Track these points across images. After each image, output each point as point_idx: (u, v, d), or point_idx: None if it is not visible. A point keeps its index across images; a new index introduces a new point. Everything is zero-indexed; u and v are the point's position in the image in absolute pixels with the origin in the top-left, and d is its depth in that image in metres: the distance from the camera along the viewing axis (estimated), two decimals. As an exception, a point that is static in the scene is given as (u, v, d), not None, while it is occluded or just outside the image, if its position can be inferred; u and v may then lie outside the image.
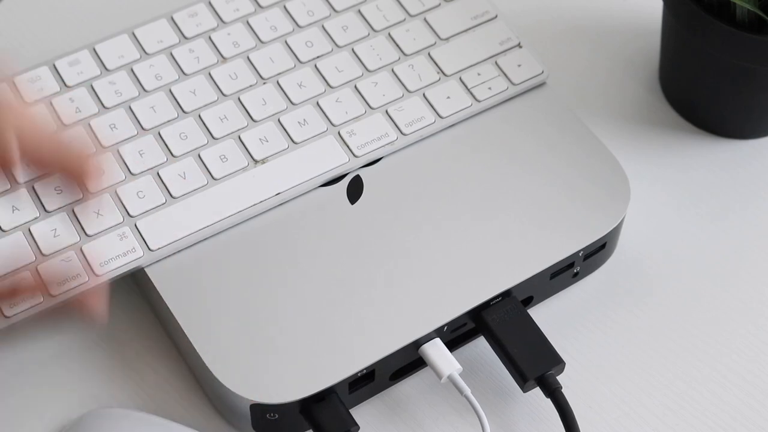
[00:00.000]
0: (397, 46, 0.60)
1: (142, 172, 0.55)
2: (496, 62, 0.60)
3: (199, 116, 0.57)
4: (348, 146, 0.57)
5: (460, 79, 0.59)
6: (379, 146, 0.57)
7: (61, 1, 0.67)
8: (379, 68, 0.59)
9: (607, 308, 0.58)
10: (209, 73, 0.58)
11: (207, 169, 0.56)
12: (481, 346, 0.56)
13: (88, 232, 0.53)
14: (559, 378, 0.54)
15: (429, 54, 0.60)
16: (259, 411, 0.51)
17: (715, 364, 0.56)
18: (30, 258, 0.53)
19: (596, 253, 0.57)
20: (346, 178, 0.57)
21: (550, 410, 0.54)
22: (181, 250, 0.54)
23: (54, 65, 0.58)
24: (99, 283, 0.51)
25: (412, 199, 0.56)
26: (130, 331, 0.56)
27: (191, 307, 0.53)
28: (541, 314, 0.57)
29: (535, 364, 0.53)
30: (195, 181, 0.55)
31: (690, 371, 0.56)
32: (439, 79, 0.59)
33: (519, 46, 0.60)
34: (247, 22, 0.60)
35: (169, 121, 0.57)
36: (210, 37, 0.59)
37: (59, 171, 0.46)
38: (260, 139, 0.57)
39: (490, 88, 0.59)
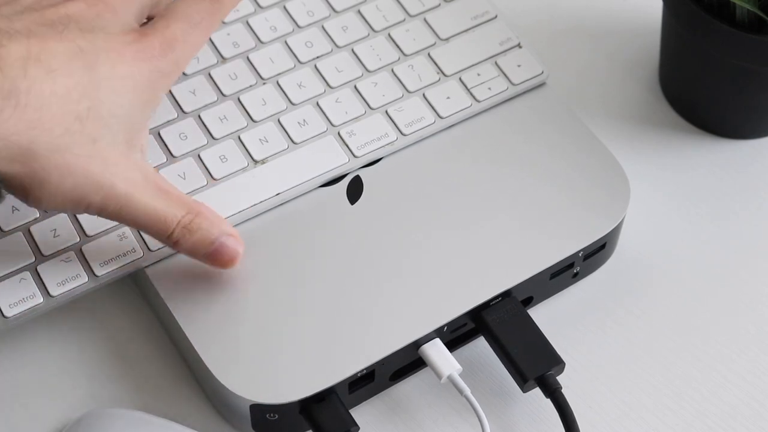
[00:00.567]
0: (397, 46, 0.60)
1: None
2: (495, 62, 0.60)
3: (199, 116, 0.57)
4: (348, 146, 0.57)
5: (460, 79, 0.59)
6: (379, 146, 0.57)
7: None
8: (379, 68, 0.59)
9: (607, 308, 0.58)
10: (209, 74, 0.58)
11: (207, 169, 0.56)
12: (481, 346, 0.56)
13: (87, 233, 0.53)
14: (559, 378, 0.54)
15: (429, 54, 0.60)
16: (259, 411, 0.51)
17: (715, 364, 0.56)
18: (30, 258, 0.53)
19: (596, 253, 0.57)
20: (346, 178, 0.57)
21: (550, 410, 0.54)
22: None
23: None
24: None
25: (412, 199, 0.56)
26: (130, 332, 0.56)
27: (191, 308, 0.53)
28: (541, 314, 0.57)
29: (535, 364, 0.53)
30: (195, 181, 0.55)
31: (690, 371, 0.56)
32: (439, 79, 0.59)
33: (519, 46, 0.60)
34: (247, 23, 0.60)
35: (168, 121, 0.57)
36: (209, 38, 0.59)
37: None
38: (260, 139, 0.57)
39: (489, 89, 0.59)
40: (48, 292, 0.52)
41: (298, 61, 0.59)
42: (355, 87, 0.59)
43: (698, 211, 0.61)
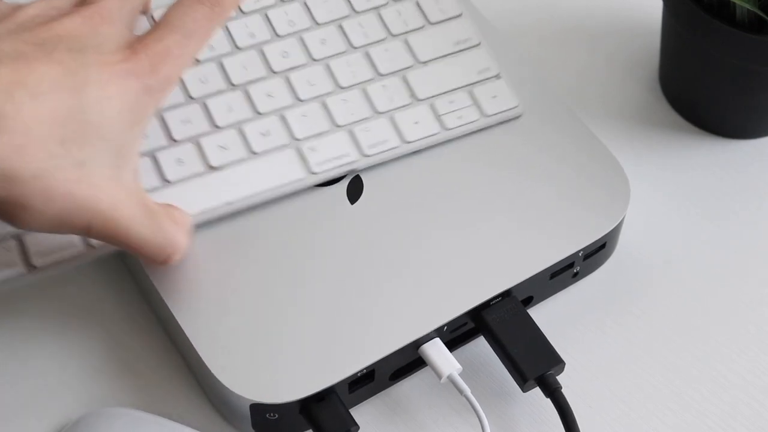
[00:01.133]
0: (373, 64, 0.59)
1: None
2: (471, 91, 0.59)
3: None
4: (306, 162, 0.56)
5: (432, 105, 0.58)
6: (338, 165, 0.56)
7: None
8: (352, 86, 0.58)
9: (606, 308, 0.58)
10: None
11: (161, 171, 0.54)
12: (481, 346, 0.56)
13: None
14: (559, 378, 0.54)
15: (404, 76, 0.59)
16: (259, 411, 0.51)
17: (715, 364, 0.56)
18: None
19: (596, 253, 0.57)
20: (346, 178, 0.57)
21: (550, 410, 0.54)
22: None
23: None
24: None
25: (412, 199, 0.56)
26: (130, 331, 0.56)
27: (191, 307, 0.53)
28: (541, 314, 0.57)
29: (534, 364, 0.53)
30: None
31: (690, 371, 0.56)
32: (411, 102, 0.58)
33: (497, 77, 0.59)
34: (227, 29, 0.59)
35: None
36: None
37: None
38: (220, 146, 0.55)
39: (460, 117, 0.58)
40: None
41: (271, 70, 0.58)
42: (324, 102, 0.57)
43: (698, 211, 0.61)
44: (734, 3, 0.57)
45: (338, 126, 0.57)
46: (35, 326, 0.56)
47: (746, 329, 0.57)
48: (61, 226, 0.47)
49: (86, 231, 0.48)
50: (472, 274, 0.54)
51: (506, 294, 0.54)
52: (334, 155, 0.56)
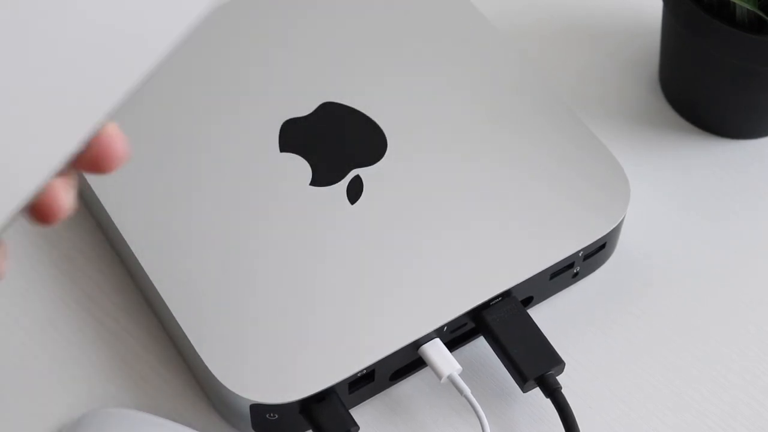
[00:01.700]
0: None
1: None
2: None
3: None
4: None
5: None
6: None
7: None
8: None
9: (606, 308, 0.58)
10: None
11: None
12: (481, 346, 0.56)
13: None
14: (559, 378, 0.54)
15: None
16: (259, 411, 0.51)
17: (715, 364, 0.56)
18: None
19: (596, 253, 0.57)
20: (346, 178, 0.57)
21: (550, 410, 0.54)
22: (182, 249, 0.54)
23: None
24: None
25: (411, 199, 0.56)
26: (130, 331, 0.56)
27: (191, 307, 0.53)
28: (541, 314, 0.57)
29: (534, 364, 0.53)
30: None
31: (690, 371, 0.56)
32: None
33: None
34: None
35: None
36: None
37: None
38: None
39: None
40: None
41: None
42: None
43: (698, 211, 0.61)
44: (734, 3, 0.57)
45: None
46: (35, 326, 0.56)
47: (746, 329, 0.57)
48: None
49: None
50: (472, 274, 0.54)
51: (506, 294, 0.54)
52: None
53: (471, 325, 0.55)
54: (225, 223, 0.55)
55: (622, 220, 0.57)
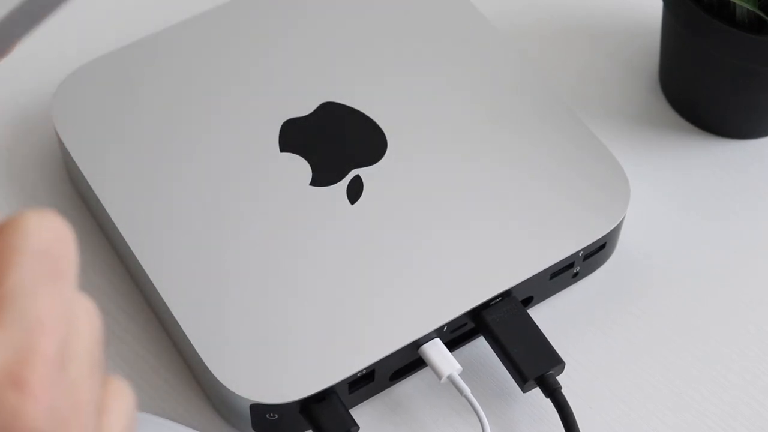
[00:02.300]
0: None
1: None
2: None
3: None
4: None
5: None
6: None
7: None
8: None
9: (607, 308, 0.58)
10: None
11: None
12: (481, 346, 0.56)
13: None
14: (559, 378, 0.54)
15: None
16: (259, 411, 0.51)
17: (715, 364, 0.56)
18: None
19: (596, 253, 0.57)
20: (346, 178, 0.57)
21: (550, 410, 0.54)
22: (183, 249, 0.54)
23: None
24: None
25: (411, 199, 0.56)
26: (131, 331, 0.56)
27: (191, 307, 0.53)
28: (541, 314, 0.57)
29: (534, 364, 0.53)
30: None
31: (690, 371, 0.56)
32: None
33: None
34: None
35: None
36: None
37: None
38: None
39: None
40: None
41: None
42: None
43: (698, 211, 0.61)
44: (734, 3, 0.57)
45: None
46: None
47: (746, 329, 0.57)
48: None
49: None
50: (472, 274, 0.54)
51: (506, 294, 0.54)
52: None
53: (471, 325, 0.55)
54: (225, 223, 0.55)
55: (622, 220, 0.57)
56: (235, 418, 0.52)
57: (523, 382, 0.53)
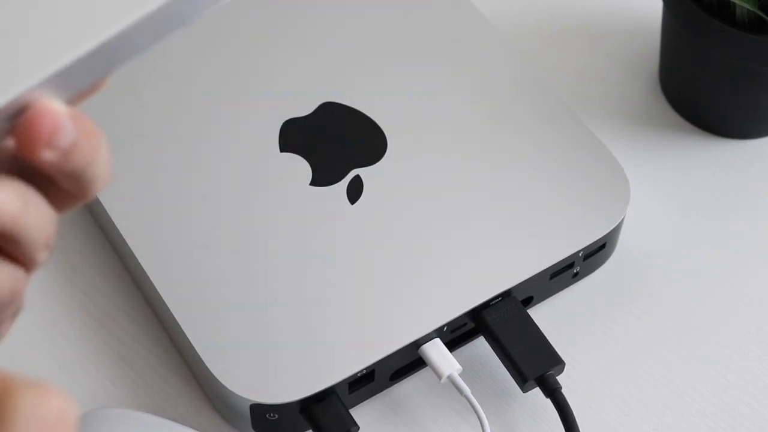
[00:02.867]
0: None
1: None
2: None
3: None
4: None
5: None
6: None
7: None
8: None
9: (606, 308, 0.58)
10: None
11: None
12: (481, 346, 0.56)
13: None
14: (559, 378, 0.54)
15: None
16: (259, 411, 0.51)
17: (715, 364, 0.56)
18: None
19: (596, 253, 0.57)
20: (346, 178, 0.57)
21: (550, 410, 0.54)
22: (183, 249, 0.54)
23: None
24: None
25: (411, 199, 0.56)
26: (131, 332, 0.56)
27: (191, 308, 0.53)
28: (541, 314, 0.57)
29: (534, 364, 0.53)
30: None
31: (690, 371, 0.56)
32: None
33: None
34: None
35: None
36: None
37: None
38: None
39: None
40: None
41: None
42: None
43: (698, 211, 0.61)
44: (734, 3, 0.57)
45: None
46: (35, 326, 0.56)
47: (746, 329, 0.57)
48: None
49: None
50: (471, 274, 0.54)
51: (506, 294, 0.54)
52: None
53: (471, 325, 0.55)
54: (225, 223, 0.55)
55: (622, 220, 0.57)
56: (235, 418, 0.52)
57: (523, 382, 0.53)
